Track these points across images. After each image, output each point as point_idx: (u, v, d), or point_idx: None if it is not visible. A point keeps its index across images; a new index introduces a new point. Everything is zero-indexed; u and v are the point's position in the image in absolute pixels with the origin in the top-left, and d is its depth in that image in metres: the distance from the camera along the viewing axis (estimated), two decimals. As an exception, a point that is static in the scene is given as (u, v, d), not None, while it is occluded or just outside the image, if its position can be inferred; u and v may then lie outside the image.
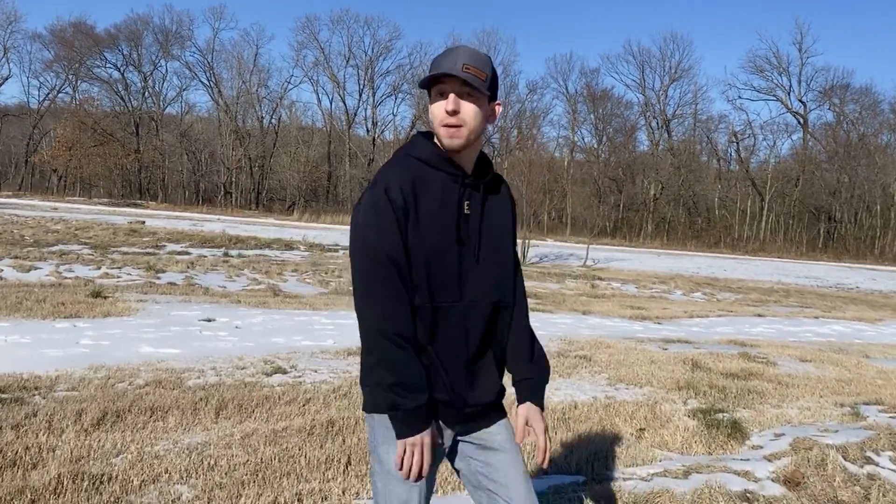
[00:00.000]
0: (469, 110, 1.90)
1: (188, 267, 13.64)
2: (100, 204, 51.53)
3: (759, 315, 13.65)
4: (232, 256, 17.63)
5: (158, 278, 11.85)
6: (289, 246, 20.55)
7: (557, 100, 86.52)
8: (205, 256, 17.16)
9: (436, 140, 1.97)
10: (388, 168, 1.94)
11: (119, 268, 12.92)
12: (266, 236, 28.94)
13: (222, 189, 58.82)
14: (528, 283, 14.54)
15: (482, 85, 1.90)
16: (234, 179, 59.65)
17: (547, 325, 9.90)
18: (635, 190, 59.79)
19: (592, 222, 50.92)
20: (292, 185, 59.27)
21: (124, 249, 17.15)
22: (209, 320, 8.35)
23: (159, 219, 40.28)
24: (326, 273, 14.79)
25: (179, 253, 17.54)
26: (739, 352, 8.44)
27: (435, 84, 1.92)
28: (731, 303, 15.94)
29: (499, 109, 2.04)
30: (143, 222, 30.22)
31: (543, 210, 34.08)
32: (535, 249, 33.41)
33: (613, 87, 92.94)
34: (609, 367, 7.03)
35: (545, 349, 2.16)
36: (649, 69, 63.74)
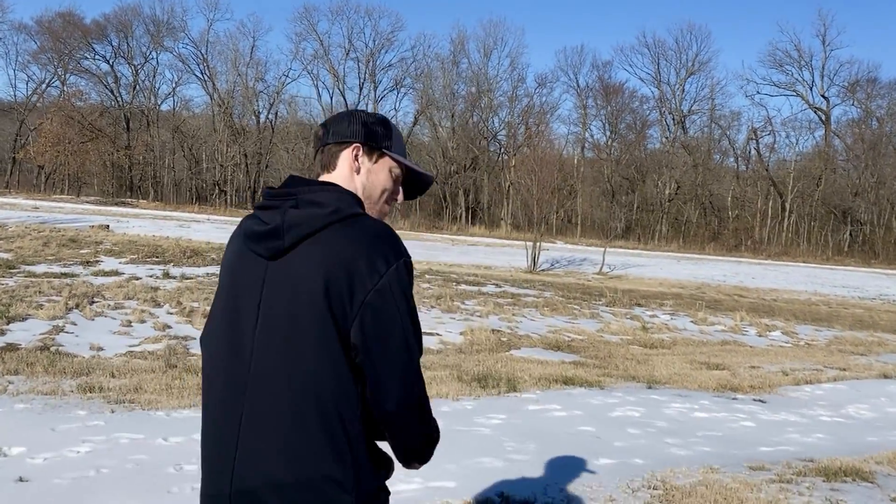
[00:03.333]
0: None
1: (79, 302, 9.42)
2: (87, 202, 47.56)
3: (886, 376, 9.43)
4: (172, 278, 13.43)
5: (2, 333, 7.63)
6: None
7: (568, 94, 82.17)
8: (137, 279, 12.97)
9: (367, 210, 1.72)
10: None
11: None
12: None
13: (216, 188, 54.65)
14: (552, 318, 10.08)
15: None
16: (228, 177, 55.48)
17: (608, 426, 5.71)
18: (648, 189, 55.45)
19: (606, 225, 46.62)
20: (290, 183, 55.03)
21: (32, 269, 12.99)
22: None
23: (141, 219, 36.24)
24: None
25: (106, 273, 13.34)
26: None
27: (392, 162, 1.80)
28: (823, 347, 11.72)
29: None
30: (108, 226, 26.09)
31: (553, 212, 30.15)
32: (546, 254, 29.49)
33: (627, 81, 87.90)
34: None
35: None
36: (665, 62, 59.29)
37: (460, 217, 55.06)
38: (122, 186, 55.02)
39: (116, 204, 47.31)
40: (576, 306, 13.83)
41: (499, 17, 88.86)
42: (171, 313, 9.53)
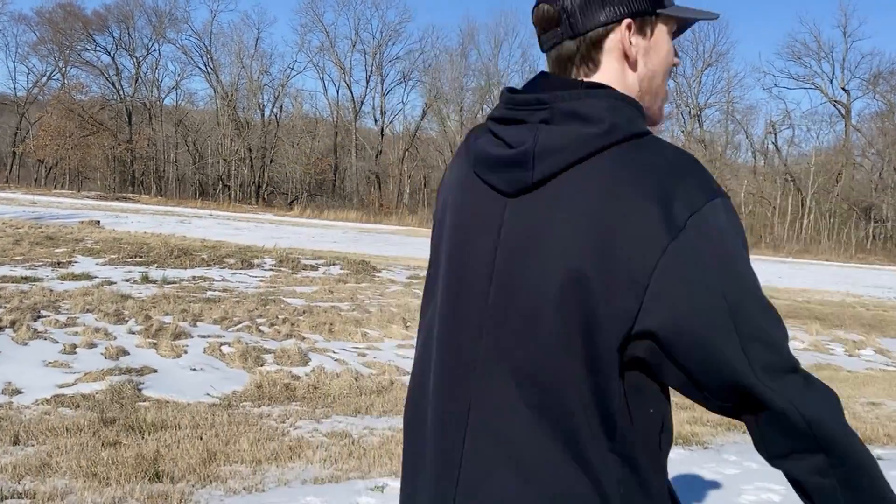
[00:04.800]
0: None
1: (18, 319, 7.35)
2: (87, 198, 45.79)
3: None
4: (151, 282, 11.39)
5: None
6: (249, 263, 14.22)
7: (578, 88, 79.57)
8: (110, 284, 10.94)
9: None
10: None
11: None
12: (237, 242, 22.77)
13: (220, 182, 52.65)
14: None
15: None
16: (232, 172, 53.46)
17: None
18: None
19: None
20: (295, 178, 53.07)
21: (-11, 273, 10.97)
22: None
23: (141, 214, 34.54)
24: (275, 324, 8.56)
25: (76, 277, 11.30)
26: None
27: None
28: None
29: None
30: (98, 222, 24.12)
31: None
32: None
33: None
34: None
35: None
36: (681, 52, 56.47)
37: (470, 213, 52.96)
38: (125, 181, 53.13)
39: (117, 199, 45.52)
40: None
41: (510, 6, 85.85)
42: (134, 332, 7.46)
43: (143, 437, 4.54)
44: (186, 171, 55.28)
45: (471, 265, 1.10)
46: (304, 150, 53.62)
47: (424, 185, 56.50)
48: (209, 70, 54.14)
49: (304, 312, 9.37)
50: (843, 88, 53.48)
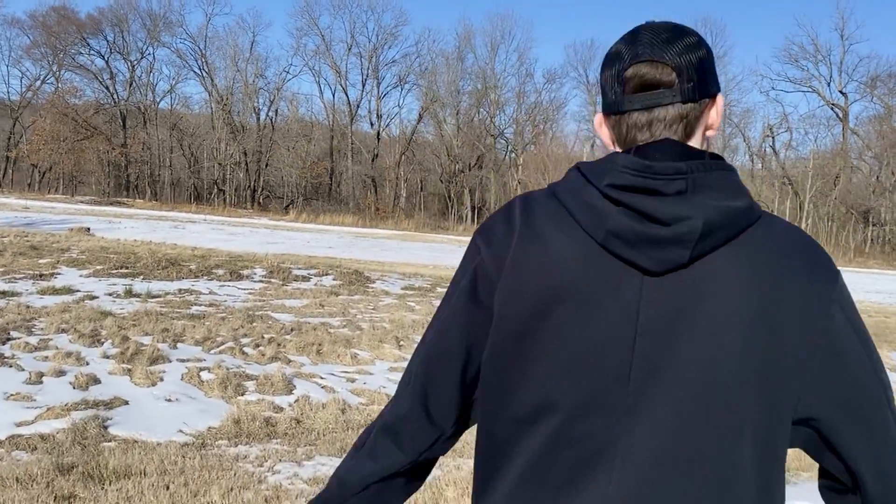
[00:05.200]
0: None
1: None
2: (81, 202, 45.26)
3: None
4: (135, 296, 10.91)
5: None
6: (238, 274, 13.70)
7: (577, 90, 79.34)
8: (92, 298, 10.47)
9: None
10: None
11: None
12: (230, 249, 22.31)
13: (215, 187, 52.12)
14: None
15: None
16: (227, 176, 52.93)
17: None
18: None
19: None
20: (291, 182, 52.56)
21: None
22: None
23: (135, 220, 34.08)
24: (260, 345, 8.08)
25: (56, 291, 10.81)
26: None
27: None
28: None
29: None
30: (88, 229, 23.60)
31: None
32: None
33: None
34: None
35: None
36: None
37: (466, 217, 52.52)
38: (119, 186, 52.60)
39: (111, 204, 44.97)
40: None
41: (506, 10, 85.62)
42: (108, 357, 6.99)
43: (102, 488, 4.07)
44: (182, 175, 54.75)
45: (599, 347, 1.03)
46: (300, 153, 53.14)
47: (421, 188, 56.03)
48: (204, 74, 53.69)
49: (291, 330, 8.90)
50: (841, 91, 53.15)
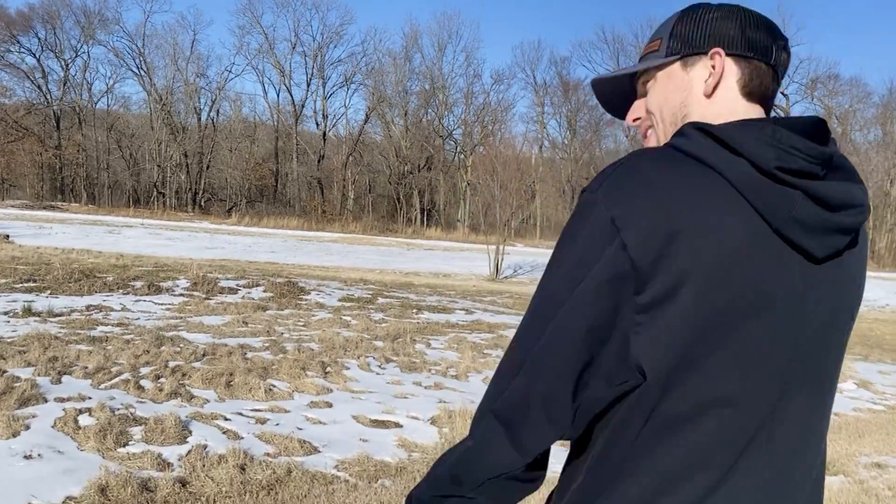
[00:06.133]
0: (648, 103, 1.19)
1: None
2: (12, 207, 42.90)
3: None
4: (34, 315, 9.59)
5: None
6: (157, 287, 12.36)
7: (525, 91, 78.73)
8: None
9: None
10: None
11: None
12: (163, 255, 20.93)
13: (154, 190, 50.03)
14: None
15: (653, 58, 1.17)
16: (167, 179, 50.89)
17: None
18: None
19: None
20: (234, 184, 50.77)
21: None
22: None
23: (68, 224, 32.27)
24: (161, 377, 6.90)
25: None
26: None
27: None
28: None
29: (716, 59, 1.11)
30: (7, 236, 21.92)
31: (516, 214, 27.26)
32: (507, 258, 26.60)
33: (586, 78, 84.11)
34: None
35: None
36: (625, 57, 56.35)
37: (415, 219, 51.48)
38: (55, 189, 50.19)
39: (45, 208, 42.75)
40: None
41: (453, 9, 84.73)
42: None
43: None
44: (121, 177, 52.51)
45: (772, 339, 1.01)
46: (244, 155, 51.41)
47: (369, 190, 54.76)
48: (142, 73, 51.48)
49: (203, 356, 7.73)
50: (783, 93, 53.57)
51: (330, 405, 6.21)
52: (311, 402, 6.29)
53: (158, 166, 49.98)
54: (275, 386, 6.66)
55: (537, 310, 1.05)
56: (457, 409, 6.02)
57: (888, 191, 48.45)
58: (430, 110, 54.31)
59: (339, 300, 12.48)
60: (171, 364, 7.27)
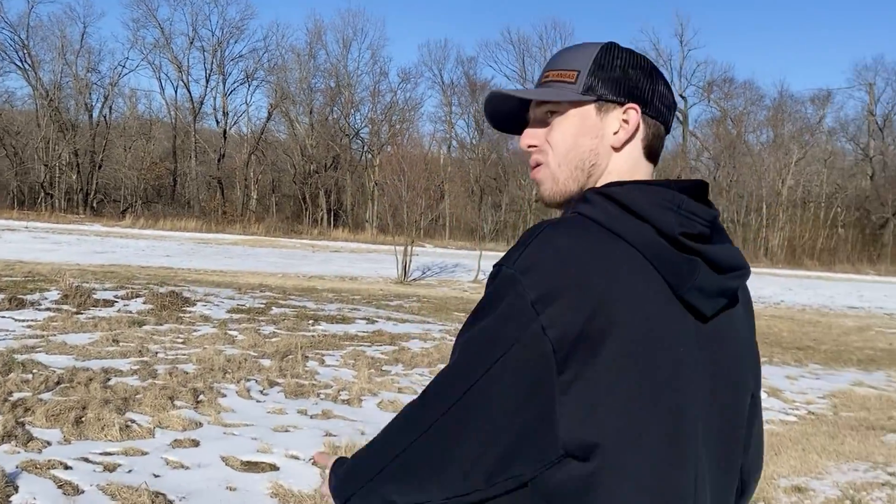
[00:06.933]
0: (550, 135, 1.15)
1: None
2: None
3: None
4: None
5: None
6: (20, 301, 11.00)
7: (432, 90, 78.19)
8: None
9: None
10: None
11: None
12: (45, 260, 19.31)
13: (42, 190, 46.90)
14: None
15: (566, 90, 1.12)
16: (56, 179, 47.81)
17: None
18: (514, 190, 52.55)
19: (476, 226, 43.31)
20: (129, 184, 48.15)
21: None
22: None
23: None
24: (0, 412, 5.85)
25: None
26: None
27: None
28: (832, 419, 8.16)
29: (630, 114, 1.11)
30: None
31: (424, 215, 26.70)
32: (416, 259, 26.15)
33: (493, 78, 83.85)
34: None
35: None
36: (530, 59, 56.70)
37: (322, 220, 50.16)
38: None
39: (-84, 211, 39.40)
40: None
41: (358, 6, 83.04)
42: None
43: None
44: (4, 177, 48.98)
45: (682, 393, 1.03)
46: (139, 154, 48.84)
47: (273, 190, 53.06)
48: (27, 67, 48.13)
49: (57, 384, 6.69)
50: (681, 95, 55.02)
51: (196, 444, 5.35)
52: (175, 440, 5.41)
53: (46, 165, 46.86)
54: (134, 421, 5.74)
55: (446, 385, 1.02)
56: (344, 443, 5.27)
57: (780, 190, 50.39)
58: (335, 108, 53.09)
59: (228, 311, 11.48)
60: (15, 396, 6.22)
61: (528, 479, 0.98)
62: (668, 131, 1.16)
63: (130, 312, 10.71)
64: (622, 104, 1.11)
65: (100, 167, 47.81)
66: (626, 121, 1.11)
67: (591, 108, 1.12)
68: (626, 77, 1.11)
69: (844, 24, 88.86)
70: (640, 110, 1.11)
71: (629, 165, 1.12)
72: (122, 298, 11.71)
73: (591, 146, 1.12)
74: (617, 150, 1.12)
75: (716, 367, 1.07)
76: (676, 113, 1.16)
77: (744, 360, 1.13)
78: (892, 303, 26.33)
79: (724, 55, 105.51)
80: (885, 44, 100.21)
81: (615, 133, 1.11)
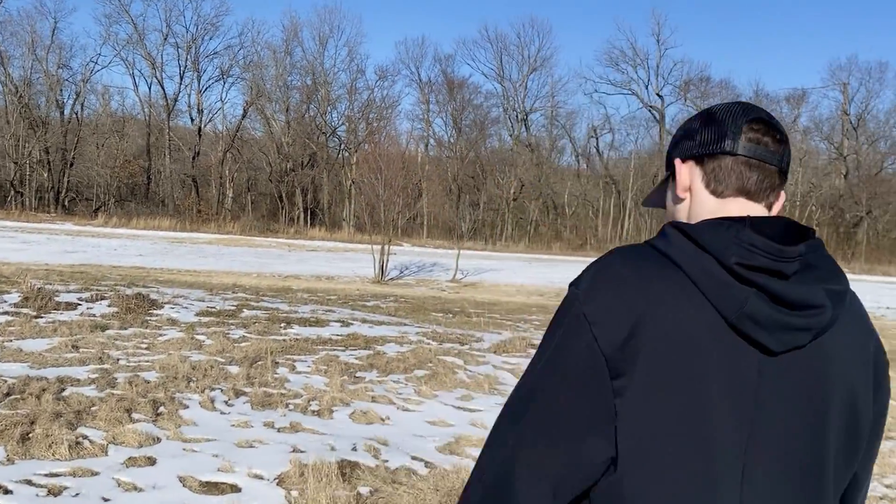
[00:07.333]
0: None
1: None
2: None
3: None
4: None
5: None
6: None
7: (410, 88, 77.70)
8: None
9: None
10: None
11: None
12: (12, 260, 18.71)
13: (11, 189, 45.84)
14: (432, 401, 5.79)
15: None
16: (27, 176, 46.77)
17: None
18: (493, 188, 52.27)
19: (454, 224, 42.96)
20: (101, 182, 47.21)
21: None
22: None
23: None
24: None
25: None
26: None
27: None
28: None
29: (679, 168, 1.24)
30: None
31: (402, 213, 26.32)
32: (394, 259, 25.75)
33: (471, 76, 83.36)
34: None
35: None
36: (507, 57, 56.41)
37: (298, 218, 49.54)
38: None
39: None
40: (454, 357, 9.41)
41: (334, 3, 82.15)
42: None
43: None
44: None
45: (719, 426, 1.05)
46: (112, 151, 47.91)
47: (248, 188, 52.34)
48: (-5, 62, 47.01)
49: (7, 395, 6.24)
50: (658, 94, 55.15)
51: (153, 462, 4.94)
52: (130, 457, 5.00)
53: (16, 163, 45.79)
54: (86, 437, 5.32)
55: (520, 393, 1.13)
56: (311, 462, 4.88)
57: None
58: (312, 106, 52.43)
59: (197, 314, 11.03)
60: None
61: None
62: (733, 154, 1.17)
63: (94, 316, 10.23)
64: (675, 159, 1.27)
65: (71, 165, 46.83)
66: (675, 175, 1.26)
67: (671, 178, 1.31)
68: (672, 145, 1.29)
69: (819, 24, 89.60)
70: (680, 161, 1.24)
71: (700, 209, 1.21)
72: (87, 301, 11.21)
73: (667, 201, 1.33)
74: (678, 202, 1.26)
75: (788, 404, 1.08)
76: (758, 128, 1.18)
77: (832, 397, 1.10)
78: (867, 301, 26.45)
79: (700, 54, 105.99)
80: (858, 44, 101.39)
81: (674, 189, 1.27)
